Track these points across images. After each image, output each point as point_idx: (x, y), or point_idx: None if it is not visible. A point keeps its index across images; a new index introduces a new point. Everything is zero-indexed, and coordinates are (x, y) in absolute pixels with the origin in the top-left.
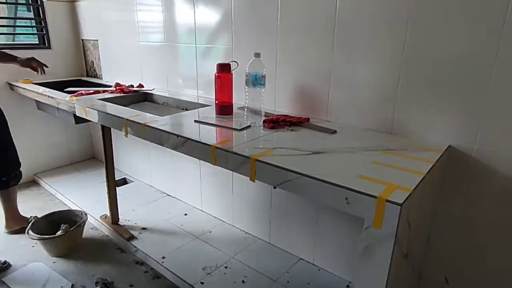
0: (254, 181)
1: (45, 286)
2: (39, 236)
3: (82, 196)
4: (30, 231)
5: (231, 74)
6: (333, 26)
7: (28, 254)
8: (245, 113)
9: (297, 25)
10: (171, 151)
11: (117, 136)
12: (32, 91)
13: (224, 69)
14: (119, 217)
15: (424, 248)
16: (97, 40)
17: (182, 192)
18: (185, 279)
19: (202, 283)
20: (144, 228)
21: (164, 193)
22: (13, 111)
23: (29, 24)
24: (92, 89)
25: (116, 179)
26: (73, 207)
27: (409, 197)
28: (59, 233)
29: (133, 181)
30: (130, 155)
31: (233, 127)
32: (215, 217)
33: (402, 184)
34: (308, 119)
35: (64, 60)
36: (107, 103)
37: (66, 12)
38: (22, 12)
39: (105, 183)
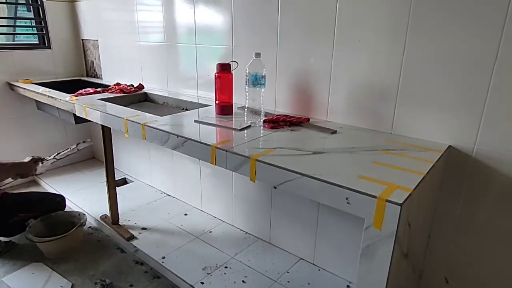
0: (254, 181)
1: (45, 286)
2: (39, 238)
3: (82, 196)
4: (28, 234)
5: (231, 74)
6: (333, 26)
7: (28, 254)
8: (245, 113)
9: (297, 25)
10: (171, 151)
11: (117, 136)
12: (32, 91)
13: (224, 69)
14: (119, 217)
15: (424, 248)
16: (97, 40)
17: (182, 192)
18: (185, 279)
19: (202, 283)
20: (144, 228)
21: (164, 193)
22: (13, 111)
23: (29, 24)
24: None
25: (116, 179)
26: (73, 207)
27: (409, 197)
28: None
29: (133, 181)
30: (130, 155)
31: (233, 127)
32: (215, 217)
33: (402, 184)
34: (308, 119)
35: (64, 60)
36: (107, 103)
37: (66, 12)
38: (22, 12)
39: (105, 183)
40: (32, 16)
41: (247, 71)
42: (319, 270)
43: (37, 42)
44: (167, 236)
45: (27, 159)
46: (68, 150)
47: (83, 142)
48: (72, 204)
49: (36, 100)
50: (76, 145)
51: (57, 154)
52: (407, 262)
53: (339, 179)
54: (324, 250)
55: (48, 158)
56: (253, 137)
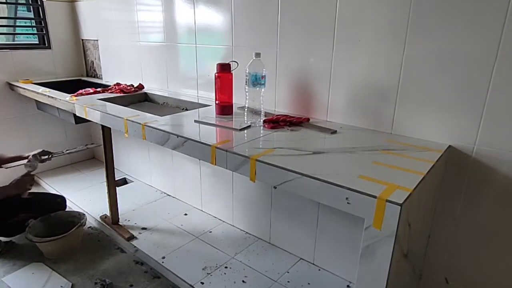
0: (254, 181)
1: (45, 286)
2: (39, 238)
3: (82, 196)
4: (28, 234)
5: (231, 74)
6: (333, 26)
7: (28, 254)
8: (245, 113)
9: (297, 25)
10: (171, 151)
11: (117, 136)
12: (32, 91)
13: (224, 69)
14: (119, 217)
15: (424, 248)
16: (97, 40)
17: (182, 192)
18: (185, 279)
19: (202, 283)
20: (144, 228)
21: (164, 193)
22: (13, 111)
23: (29, 24)
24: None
25: (116, 179)
26: (73, 207)
27: (409, 197)
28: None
29: (133, 181)
30: (130, 155)
31: (233, 127)
32: (215, 217)
33: (402, 184)
34: (308, 119)
35: (64, 60)
36: (107, 103)
37: (66, 12)
38: (22, 12)
39: (105, 183)
40: (32, 16)
41: (247, 71)
42: (319, 270)
43: (37, 42)
44: (167, 236)
45: (37, 151)
46: (77, 148)
47: (91, 144)
48: (72, 204)
49: (36, 100)
50: (85, 145)
51: (66, 150)
52: (407, 262)
53: (339, 179)
54: (324, 250)
55: (57, 153)
56: (253, 137)
